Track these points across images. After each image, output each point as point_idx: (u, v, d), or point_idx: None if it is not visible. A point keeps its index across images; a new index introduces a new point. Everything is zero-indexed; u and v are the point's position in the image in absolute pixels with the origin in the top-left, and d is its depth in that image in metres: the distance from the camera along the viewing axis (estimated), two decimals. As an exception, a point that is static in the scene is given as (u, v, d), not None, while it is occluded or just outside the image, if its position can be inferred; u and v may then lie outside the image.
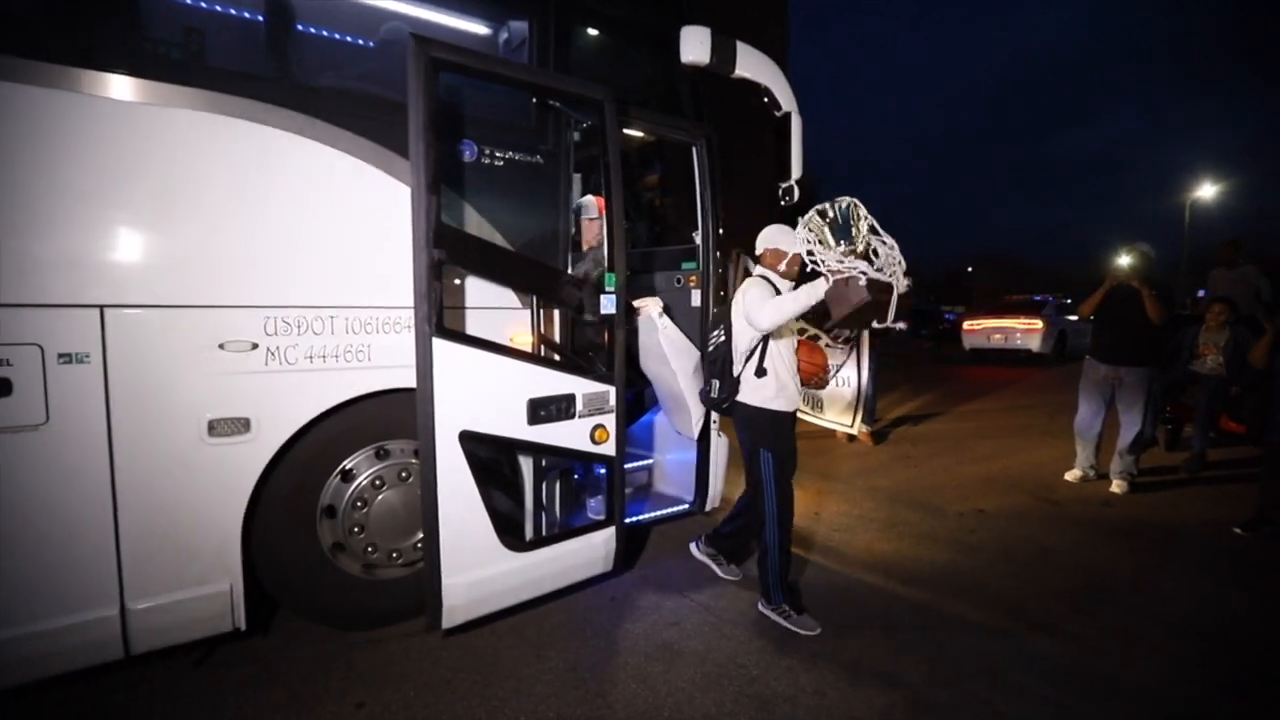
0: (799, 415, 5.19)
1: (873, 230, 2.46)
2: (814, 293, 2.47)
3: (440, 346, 2.19)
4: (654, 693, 2.31)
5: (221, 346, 2.12)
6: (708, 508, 3.65)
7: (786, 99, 3.29)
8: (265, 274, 2.19)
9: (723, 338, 2.83)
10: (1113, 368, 4.65)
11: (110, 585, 2.03)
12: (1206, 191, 23.65)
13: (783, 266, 2.77)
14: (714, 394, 2.81)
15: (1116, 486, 4.71)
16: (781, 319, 2.55)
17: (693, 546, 3.28)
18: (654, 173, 4.60)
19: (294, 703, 2.21)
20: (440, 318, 2.21)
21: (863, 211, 2.45)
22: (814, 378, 2.94)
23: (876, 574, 3.34)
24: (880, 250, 2.47)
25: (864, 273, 2.39)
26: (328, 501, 2.47)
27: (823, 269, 2.47)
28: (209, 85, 2.07)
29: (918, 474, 5.22)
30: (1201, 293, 6.89)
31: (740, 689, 2.35)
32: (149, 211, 2.01)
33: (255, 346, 2.18)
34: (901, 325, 2.85)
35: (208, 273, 2.10)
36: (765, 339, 2.69)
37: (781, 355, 2.73)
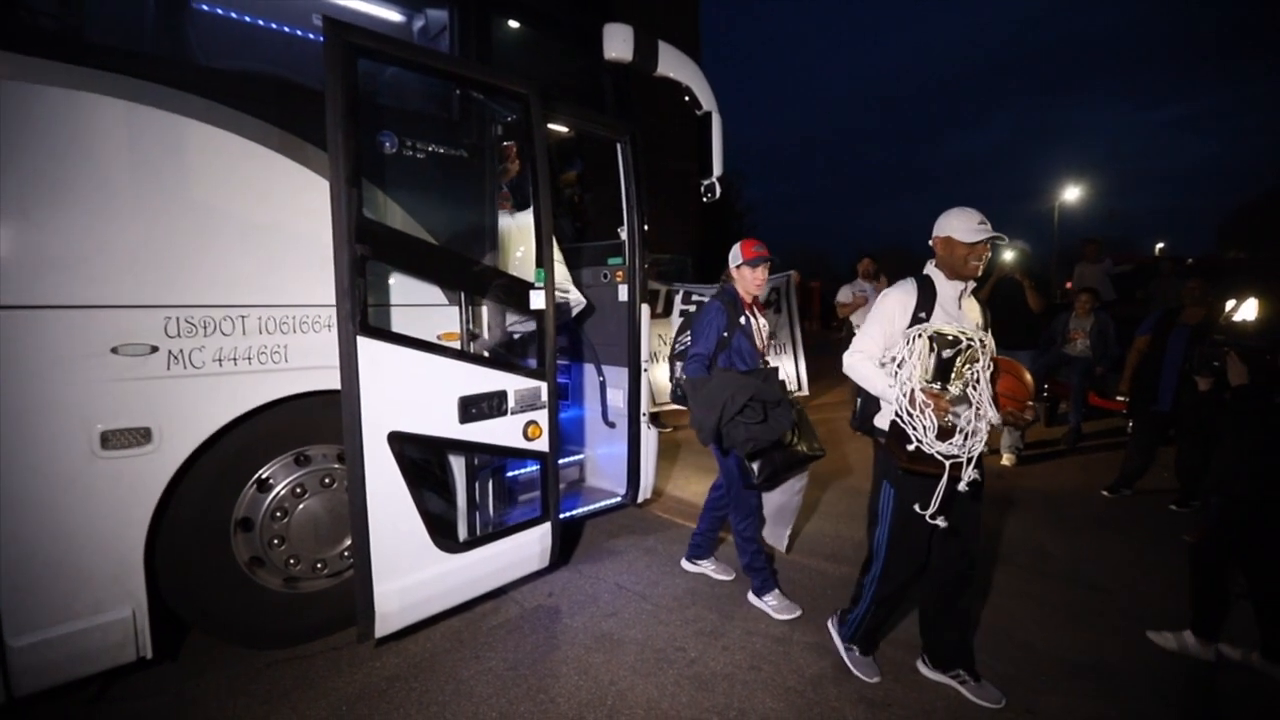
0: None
1: (974, 385, 1.97)
2: (887, 396, 2.10)
3: (366, 345, 2.11)
4: (596, 683, 2.34)
5: (115, 350, 1.94)
6: (639, 499, 3.70)
7: (707, 98, 3.39)
8: (165, 271, 2.02)
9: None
10: (1001, 352, 5.11)
11: (-16, 622, 1.82)
12: (1071, 194, 26.32)
13: (952, 262, 2.12)
14: (855, 413, 2.39)
15: (1006, 460, 5.19)
16: (857, 380, 2.22)
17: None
18: (576, 169, 4.60)
19: (214, 730, 2.06)
20: (365, 315, 2.12)
21: (980, 359, 1.96)
22: (1013, 413, 2.12)
23: (802, 553, 3.51)
24: (969, 410, 1.98)
25: (920, 440, 1.97)
26: (243, 514, 2.32)
27: (891, 394, 2.05)
28: (97, 63, 1.89)
29: (835, 458, 5.53)
30: (1069, 284, 7.73)
31: (680, 671, 2.42)
32: (24, 202, 1.81)
33: (155, 350, 2.01)
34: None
35: (97, 270, 1.91)
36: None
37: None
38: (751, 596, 2.93)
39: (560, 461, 3.49)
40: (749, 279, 2.78)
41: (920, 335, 2.01)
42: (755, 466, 2.60)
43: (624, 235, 3.48)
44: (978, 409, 1.98)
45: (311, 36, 2.50)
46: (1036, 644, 2.63)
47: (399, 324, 2.43)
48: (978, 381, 1.96)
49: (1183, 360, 4.05)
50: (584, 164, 4.60)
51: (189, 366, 2.07)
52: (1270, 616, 2.45)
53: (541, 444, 2.67)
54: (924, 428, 1.97)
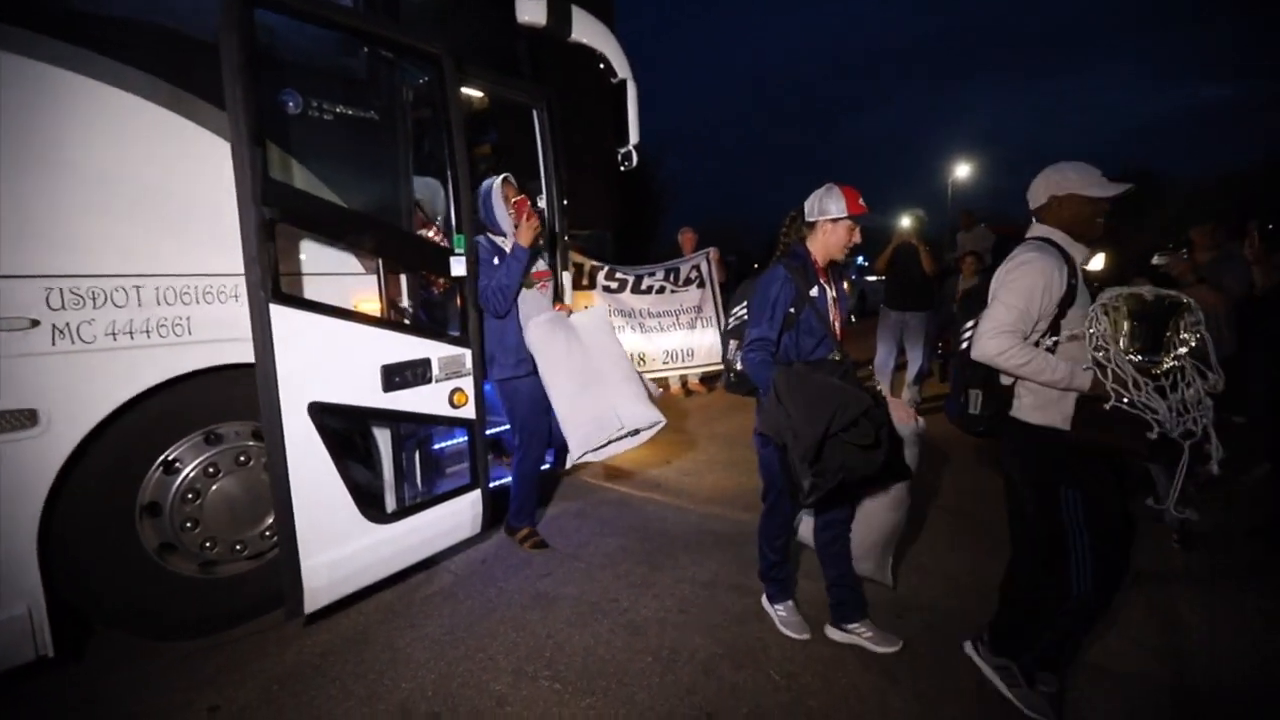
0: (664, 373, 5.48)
1: (1194, 354, 1.69)
2: (1074, 383, 1.77)
3: (280, 313, 2.03)
4: (534, 637, 2.42)
5: (-12, 325, 1.78)
6: (568, 465, 3.76)
7: (622, 66, 3.42)
8: (43, 239, 1.85)
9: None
10: (900, 313, 5.53)
11: None
12: (962, 171, 28.42)
13: (1077, 223, 1.89)
14: (973, 409, 2.02)
15: (906, 413, 5.65)
16: (1016, 369, 1.81)
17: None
18: (491, 140, 4.51)
19: (130, 721, 1.98)
20: (277, 282, 2.04)
21: (1194, 321, 1.69)
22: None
23: (724, 506, 3.72)
24: (1189, 389, 1.67)
25: (1156, 417, 1.66)
26: (149, 499, 2.20)
27: (1099, 373, 1.72)
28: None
29: (751, 417, 5.82)
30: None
31: (614, 620, 2.54)
32: None
33: (36, 323, 1.85)
34: None
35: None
36: (1056, 328, 1.84)
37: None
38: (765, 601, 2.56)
39: (489, 431, 3.50)
40: (837, 239, 2.21)
41: (1117, 300, 1.72)
42: (807, 484, 1.95)
43: (543, 204, 3.48)
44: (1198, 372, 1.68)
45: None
46: (925, 563, 2.95)
47: (315, 292, 2.34)
48: (1191, 345, 1.69)
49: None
50: (498, 135, 4.52)
51: (77, 341, 1.92)
52: None
53: (468, 411, 2.67)
54: (1160, 407, 1.65)
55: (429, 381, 2.53)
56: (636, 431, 2.88)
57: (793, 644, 2.36)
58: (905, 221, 5.41)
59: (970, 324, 1.98)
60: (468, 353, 2.65)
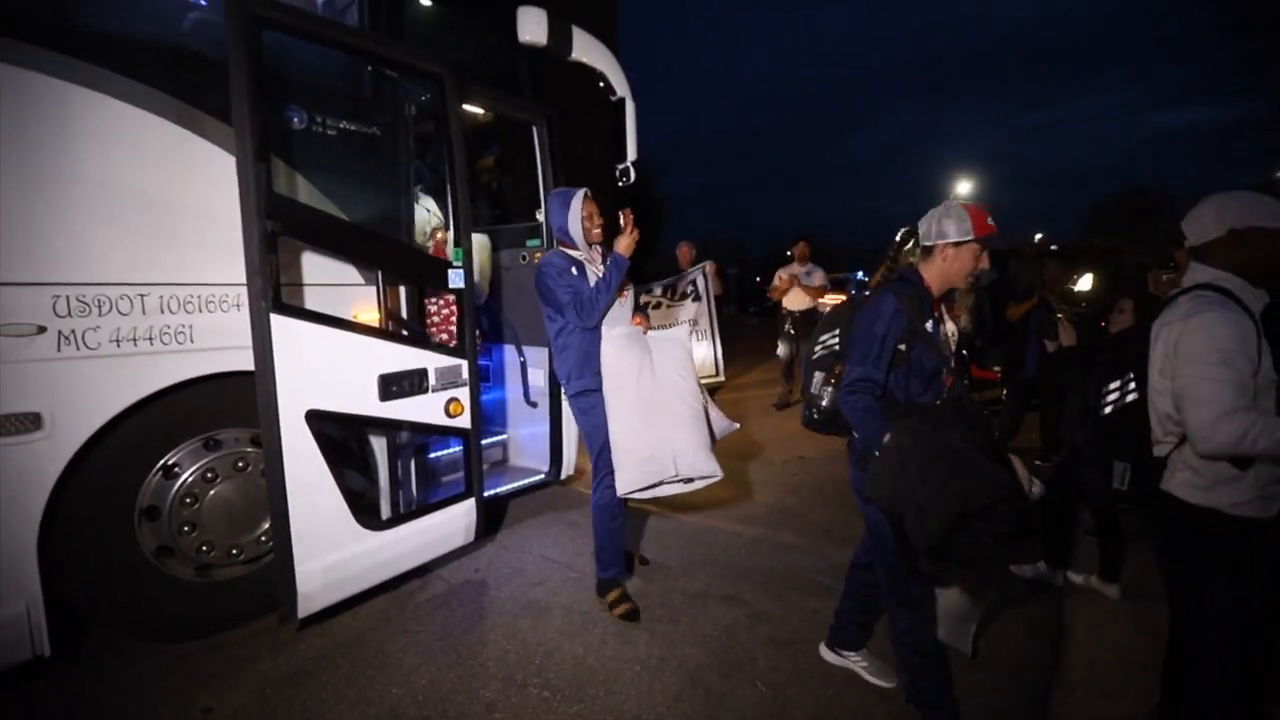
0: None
1: None
2: None
3: (280, 323, 2.08)
4: (525, 645, 2.44)
5: (-3, 331, 1.83)
6: (562, 476, 3.81)
7: (621, 84, 3.49)
8: (52, 248, 1.91)
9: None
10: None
11: None
12: (963, 189, 28.64)
13: (1267, 262, 1.59)
14: (1119, 483, 1.79)
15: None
16: (1270, 449, 1.44)
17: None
18: (494, 153, 4.60)
19: (124, 722, 2.01)
20: (278, 292, 2.09)
21: None
22: None
23: (719, 518, 3.75)
24: None
25: None
26: (148, 502, 2.24)
27: None
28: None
29: (748, 431, 5.84)
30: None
31: (605, 629, 2.56)
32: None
33: (43, 330, 1.90)
34: None
35: (-29, 245, 1.79)
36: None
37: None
38: None
39: (484, 441, 3.53)
40: (960, 266, 1.91)
41: None
42: (924, 566, 1.68)
43: (541, 217, 3.54)
44: None
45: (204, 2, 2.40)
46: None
47: (315, 303, 2.40)
48: None
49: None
50: (501, 148, 4.60)
51: (83, 348, 1.97)
52: (1104, 545, 2.90)
53: (464, 421, 2.72)
54: None
55: (425, 391, 2.57)
56: (690, 480, 2.57)
57: (781, 656, 2.39)
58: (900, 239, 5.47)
59: (1115, 384, 1.76)
60: (464, 363, 2.70)
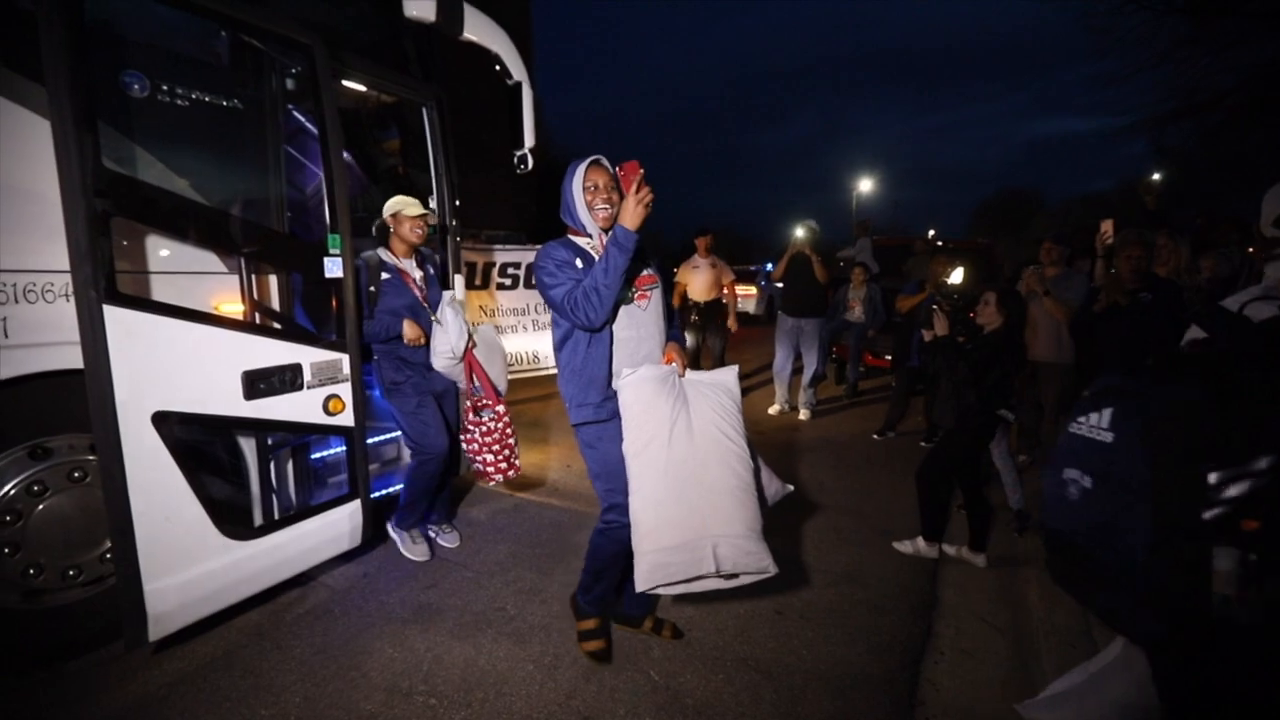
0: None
1: None
2: None
3: (115, 315, 1.85)
4: (412, 652, 2.34)
5: None
6: (462, 471, 3.68)
7: (517, 68, 3.38)
8: None
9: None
10: (796, 320, 5.80)
11: None
12: (865, 185, 30.27)
13: None
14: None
15: (803, 414, 5.93)
16: None
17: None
18: (392, 138, 4.34)
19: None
20: (112, 281, 1.86)
21: None
22: None
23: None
24: None
25: None
26: (-43, 520, 1.95)
27: None
28: None
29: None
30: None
31: (499, 629, 2.50)
32: None
33: None
34: None
35: None
36: None
37: None
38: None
39: (375, 439, 3.36)
40: None
41: None
42: None
43: (434, 204, 3.38)
44: None
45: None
46: (809, 561, 3.11)
47: (167, 293, 2.16)
48: None
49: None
50: (402, 133, 4.35)
51: None
52: (972, 519, 3.14)
53: (346, 419, 2.55)
54: None
55: (300, 388, 2.38)
56: (733, 575, 2.05)
57: (675, 645, 2.41)
58: (799, 232, 5.68)
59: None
60: (344, 357, 2.52)
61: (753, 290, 15.85)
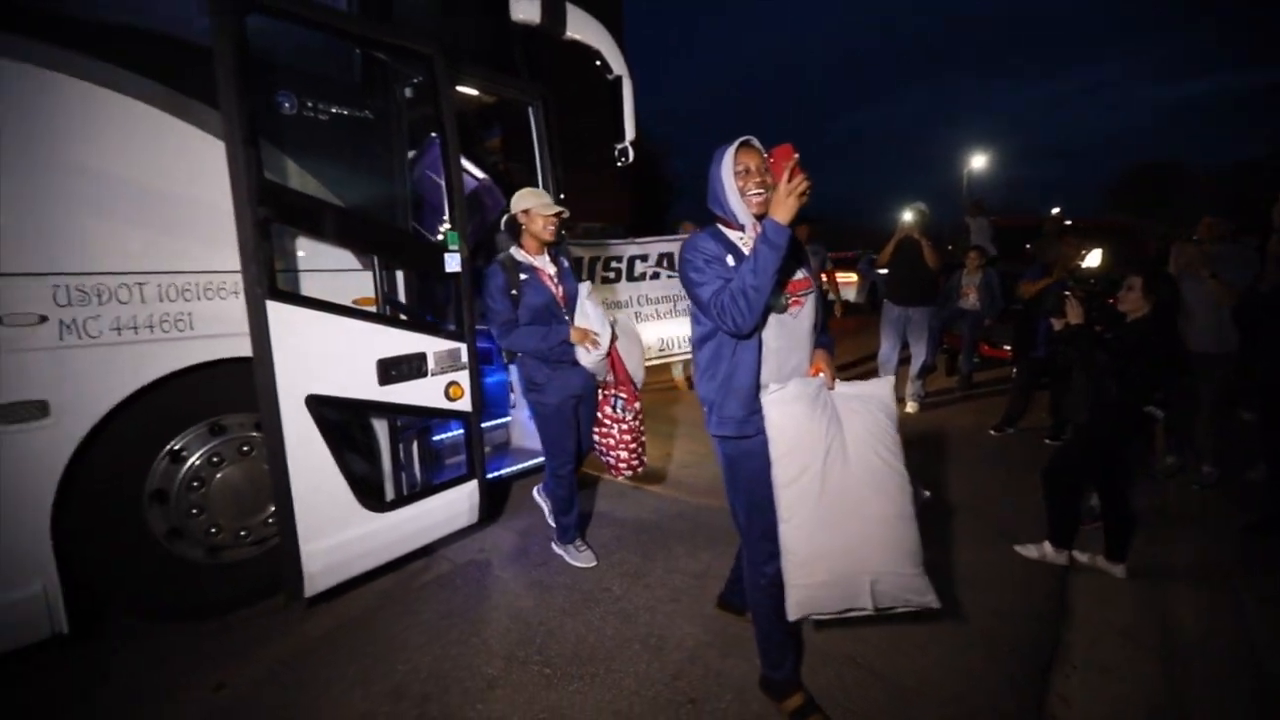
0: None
1: None
2: None
3: (275, 310, 2.10)
4: (527, 624, 2.48)
5: (0, 321, 1.87)
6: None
7: (617, 63, 3.44)
8: (51, 238, 1.94)
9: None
10: (903, 309, 5.50)
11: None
12: (978, 163, 28.04)
13: None
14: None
15: (910, 407, 5.63)
16: None
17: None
18: (495, 136, 4.56)
19: (139, 700, 2.07)
20: (273, 279, 2.11)
21: None
22: None
23: (719, 498, 3.73)
24: None
25: None
26: (156, 486, 2.29)
27: None
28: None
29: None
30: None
31: (606, 608, 2.59)
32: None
33: (44, 319, 1.94)
34: None
35: (-29, 237, 1.83)
36: None
37: None
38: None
39: (486, 424, 3.56)
40: None
41: None
42: None
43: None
44: None
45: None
46: (929, 560, 2.96)
47: (313, 288, 2.42)
48: None
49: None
50: (505, 131, 4.57)
51: (84, 336, 2.01)
52: (1110, 525, 2.87)
53: (464, 404, 2.74)
54: None
55: (425, 375, 2.59)
56: (889, 609, 1.87)
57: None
58: (908, 216, 5.36)
59: None
60: (463, 347, 2.71)
61: (853, 277, 15.18)
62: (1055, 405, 4.80)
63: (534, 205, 2.70)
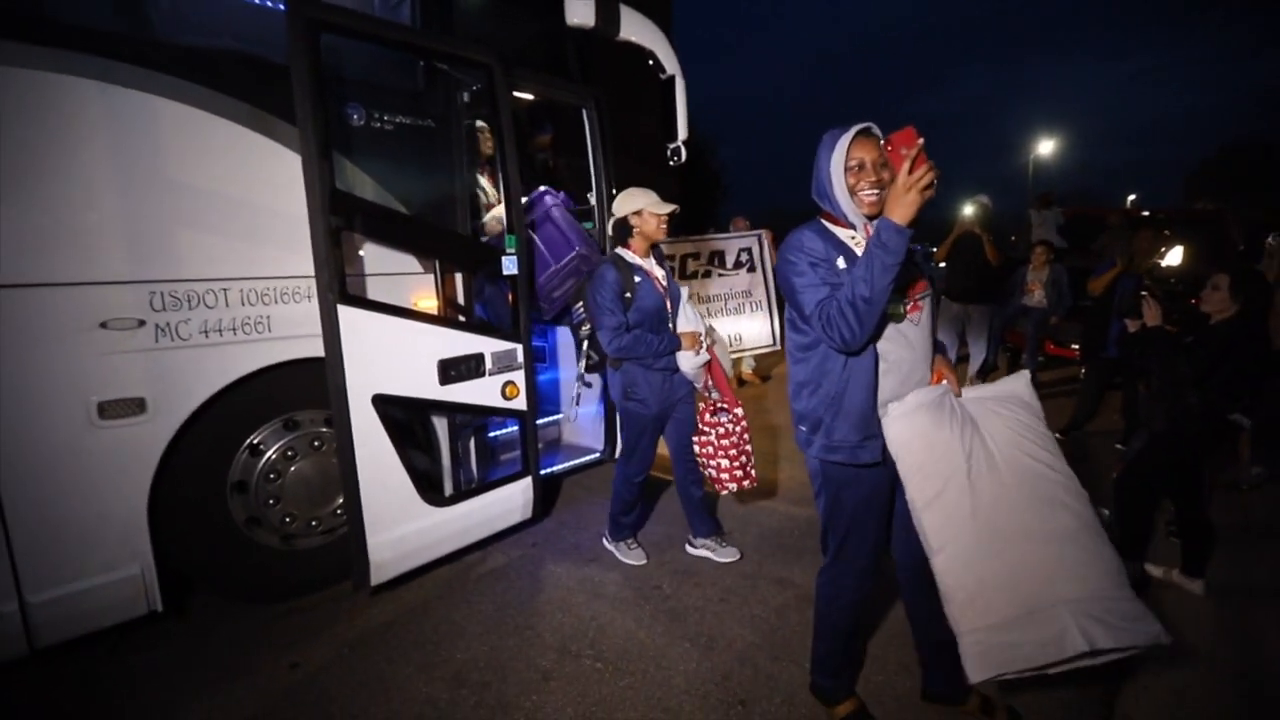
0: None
1: None
2: None
3: (345, 313, 2.22)
4: (578, 618, 2.55)
5: (104, 325, 2.04)
6: (617, 455, 3.88)
7: (670, 62, 3.44)
8: (147, 247, 2.10)
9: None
10: (962, 305, 5.33)
11: (4, 580, 1.95)
12: (1045, 148, 26.59)
13: None
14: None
15: (968, 408, 5.45)
16: None
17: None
18: (545, 134, 4.62)
19: (224, 674, 2.23)
20: (343, 284, 2.22)
21: None
22: None
23: (772, 500, 3.74)
24: None
25: None
26: (238, 477, 2.45)
27: None
28: (64, 44, 1.93)
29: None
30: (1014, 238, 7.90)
31: (656, 605, 2.63)
32: (12, 186, 1.87)
33: (142, 323, 2.10)
34: None
35: (81, 248, 1.99)
36: None
37: None
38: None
39: (540, 421, 3.65)
40: None
41: None
42: None
43: (593, 200, 3.57)
44: None
45: (270, 4, 2.52)
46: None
47: (378, 292, 2.53)
48: None
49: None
50: (555, 128, 4.62)
51: (176, 339, 2.17)
52: (1187, 538, 2.72)
53: (520, 403, 2.82)
54: None
55: (482, 375, 2.68)
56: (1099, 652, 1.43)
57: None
58: (968, 209, 5.18)
59: None
60: (518, 347, 2.79)
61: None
62: (1128, 408, 4.55)
63: (646, 205, 2.58)
